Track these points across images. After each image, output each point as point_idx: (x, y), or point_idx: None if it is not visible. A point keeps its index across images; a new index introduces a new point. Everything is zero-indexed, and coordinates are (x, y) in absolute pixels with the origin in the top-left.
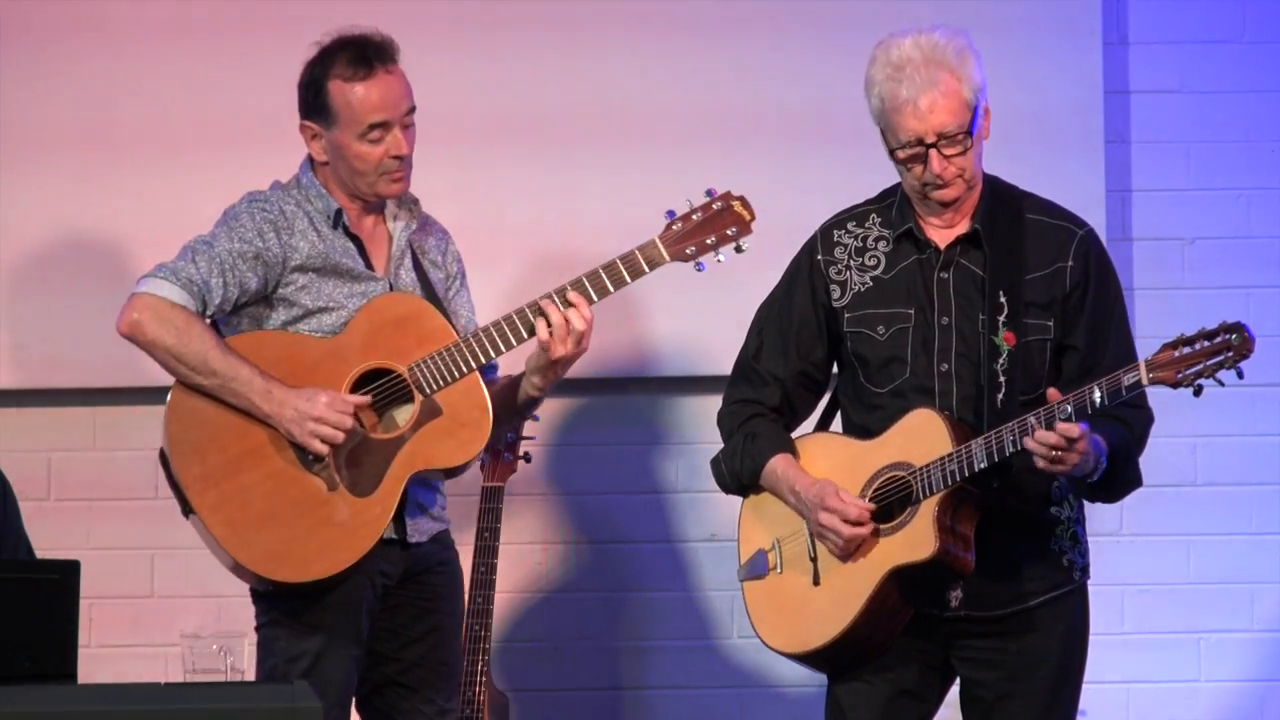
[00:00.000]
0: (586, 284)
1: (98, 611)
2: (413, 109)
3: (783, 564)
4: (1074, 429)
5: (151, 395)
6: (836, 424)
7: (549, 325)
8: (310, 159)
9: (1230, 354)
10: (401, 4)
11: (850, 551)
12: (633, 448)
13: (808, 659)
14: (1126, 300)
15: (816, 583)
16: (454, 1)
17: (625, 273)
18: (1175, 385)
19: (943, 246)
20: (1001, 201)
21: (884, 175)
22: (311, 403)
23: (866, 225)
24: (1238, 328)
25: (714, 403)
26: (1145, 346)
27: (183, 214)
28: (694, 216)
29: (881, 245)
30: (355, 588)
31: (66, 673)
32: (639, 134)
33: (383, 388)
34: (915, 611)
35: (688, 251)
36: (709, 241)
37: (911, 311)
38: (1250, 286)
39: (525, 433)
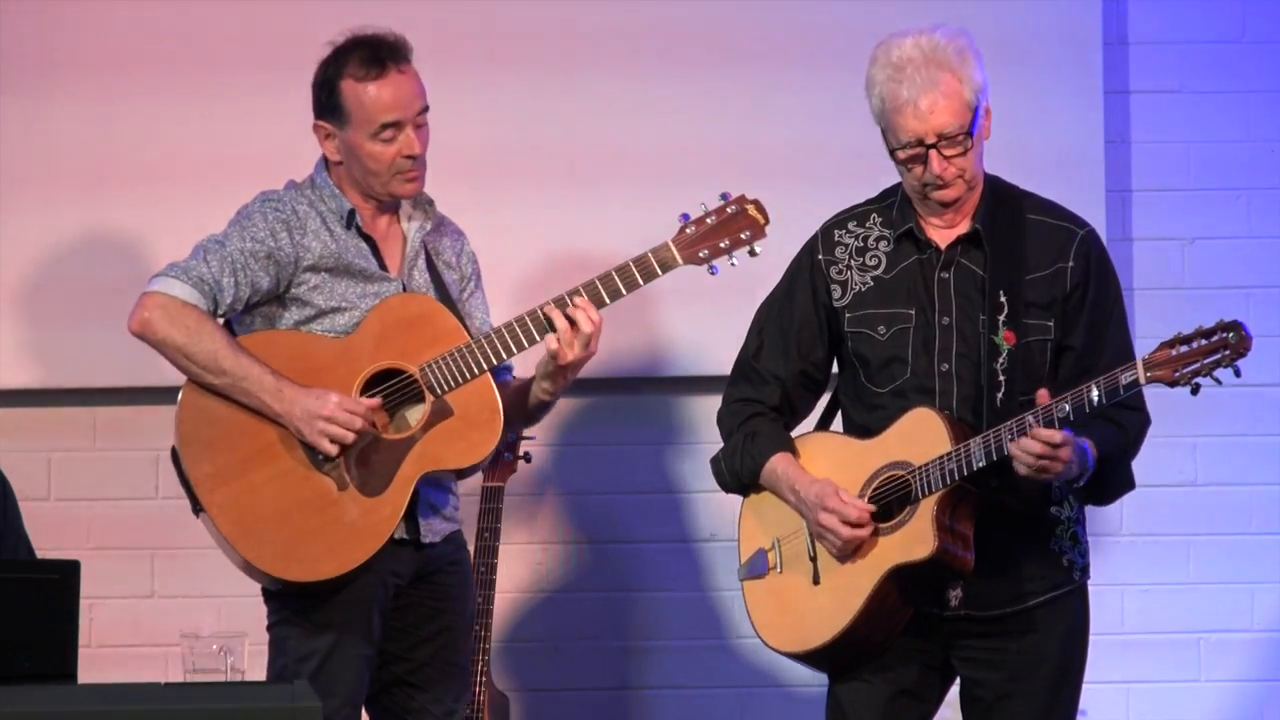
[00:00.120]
0: (599, 286)
1: (98, 611)
2: (426, 108)
3: (782, 563)
4: (1056, 435)
5: (151, 395)
6: (837, 423)
7: (556, 331)
8: (325, 159)
9: (1227, 352)
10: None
11: (849, 553)
12: (632, 448)
13: (808, 658)
14: (1126, 300)
15: (816, 582)
16: (464, 13)
17: (638, 275)
18: (1173, 384)
19: (943, 246)
20: (1002, 201)
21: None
22: (322, 402)
23: (867, 225)
24: (1235, 326)
25: (714, 403)
26: (1145, 347)
27: (184, 215)
28: (708, 219)
29: (882, 245)
30: (366, 587)
31: (66, 673)
32: (653, 138)
33: (394, 388)
34: (915, 611)
35: (701, 254)
36: (722, 245)
37: (912, 311)
38: (1250, 286)
39: (525, 433)
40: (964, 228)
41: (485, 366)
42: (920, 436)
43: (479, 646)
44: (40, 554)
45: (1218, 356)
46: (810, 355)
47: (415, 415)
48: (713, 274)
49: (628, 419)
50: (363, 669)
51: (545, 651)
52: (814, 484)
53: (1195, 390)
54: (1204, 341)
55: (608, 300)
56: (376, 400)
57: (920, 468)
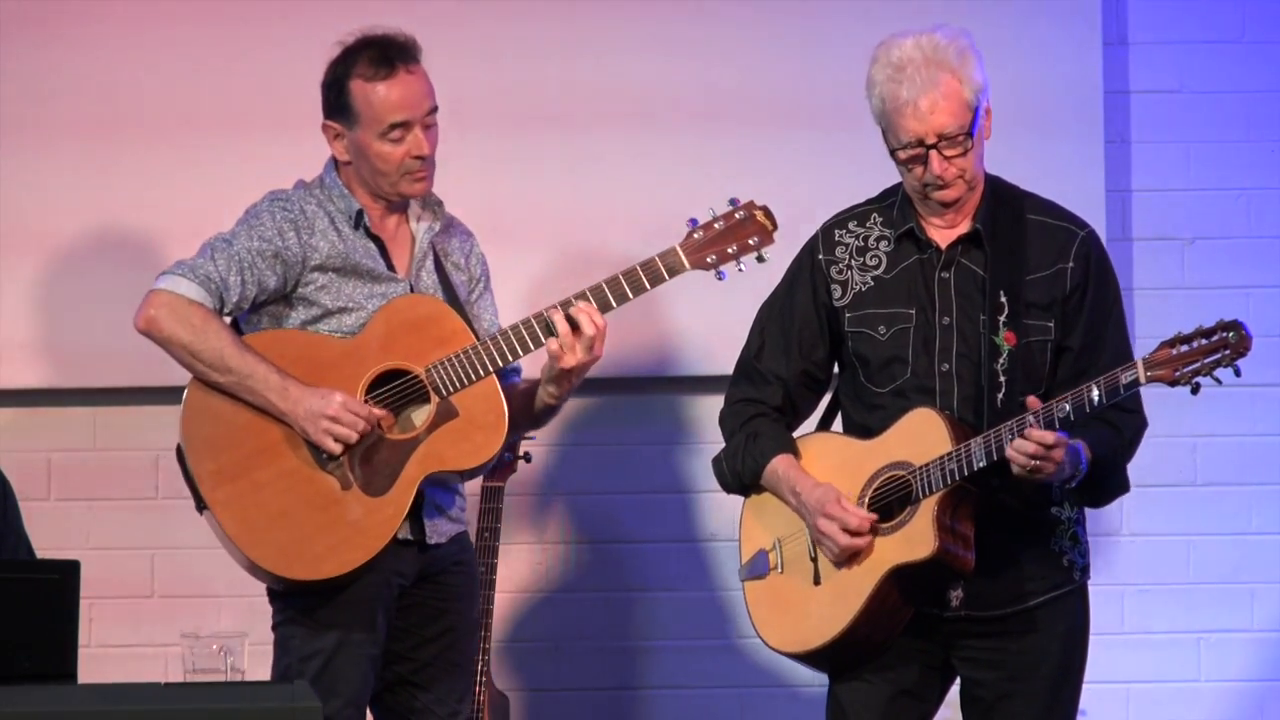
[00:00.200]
0: (605, 290)
1: (98, 611)
2: (434, 109)
3: (783, 564)
4: (1049, 436)
5: (151, 395)
6: (837, 424)
7: (557, 336)
8: (334, 159)
9: (1227, 352)
10: (421, 8)
11: (846, 559)
12: (632, 448)
13: (808, 658)
14: (1126, 300)
15: (817, 582)
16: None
17: (645, 279)
18: (1173, 383)
19: (944, 246)
20: (1003, 201)
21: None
22: (326, 401)
23: (868, 225)
24: (1235, 326)
25: (715, 403)
26: (1145, 347)
27: (184, 215)
28: (716, 225)
29: (883, 245)
30: (370, 587)
31: (66, 673)
32: (663, 131)
33: (399, 388)
34: (915, 611)
35: (709, 260)
36: (730, 250)
37: (912, 311)
38: (1250, 286)
39: (525, 433)
40: (964, 228)
41: (491, 368)
42: (921, 437)
43: (479, 647)
44: (40, 554)
45: (1218, 356)
46: (812, 355)
47: (420, 416)
48: (720, 280)
49: (628, 419)
50: (367, 668)
51: (545, 651)
52: (816, 488)
53: (1195, 390)
54: (1204, 341)
55: (614, 304)
56: (382, 410)
57: (921, 468)
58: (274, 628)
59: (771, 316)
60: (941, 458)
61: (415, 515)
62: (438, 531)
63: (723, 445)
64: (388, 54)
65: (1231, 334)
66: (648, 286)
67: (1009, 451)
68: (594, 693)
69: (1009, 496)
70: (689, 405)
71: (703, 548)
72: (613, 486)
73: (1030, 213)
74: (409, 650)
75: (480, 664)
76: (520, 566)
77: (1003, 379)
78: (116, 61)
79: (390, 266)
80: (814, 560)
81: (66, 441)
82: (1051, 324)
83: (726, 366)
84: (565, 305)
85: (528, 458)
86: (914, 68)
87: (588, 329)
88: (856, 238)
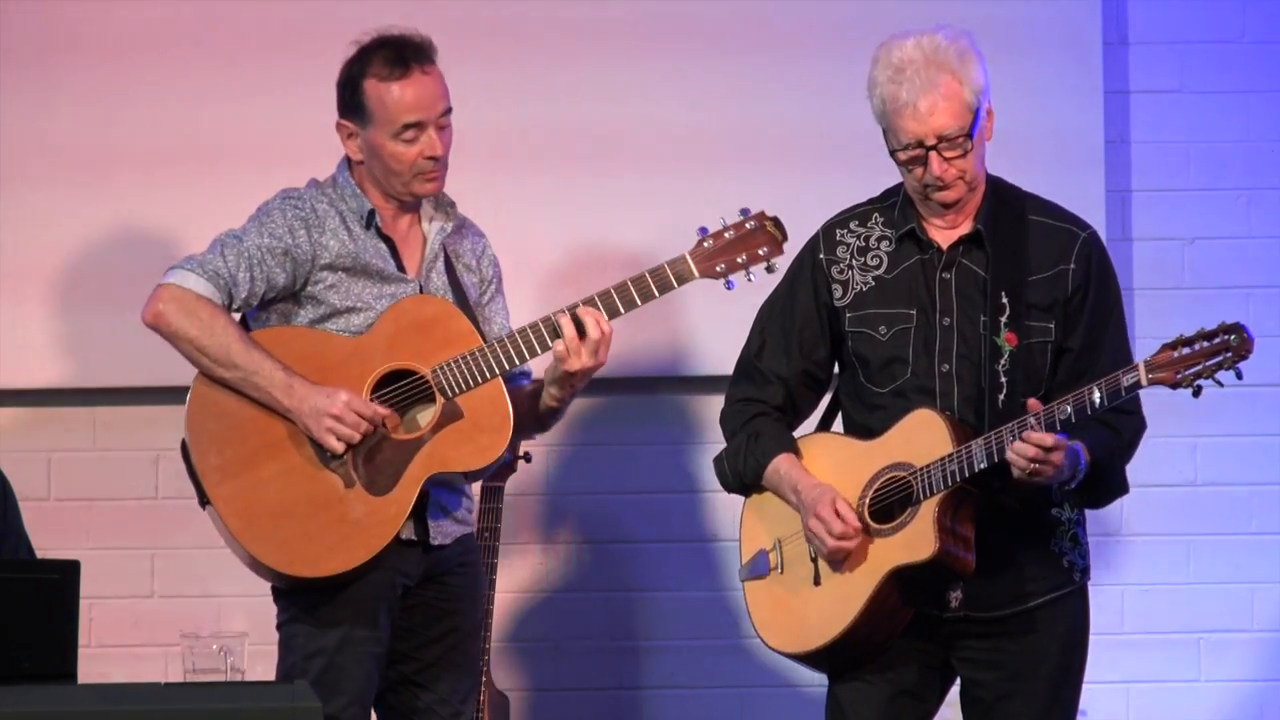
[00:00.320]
0: (614, 295)
1: (98, 611)
2: (449, 110)
3: (784, 564)
4: (1048, 438)
5: (152, 395)
6: (838, 424)
7: (564, 339)
8: (347, 158)
9: (1229, 354)
10: (426, 18)
11: (837, 559)
12: (632, 448)
13: (808, 659)
14: (1126, 300)
15: (817, 583)
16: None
17: (653, 287)
18: (1174, 386)
19: (945, 247)
20: (1004, 202)
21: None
22: (331, 400)
23: (869, 225)
24: (1236, 328)
25: (715, 403)
26: (1145, 347)
27: (185, 217)
28: (726, 234)
29: (884, 245)
30: (374, 586)
31: (66, 673)
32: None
33: (405, 388)
34: (915, 612)
35: (718, 269)
36: (739, 260)
37: (913, 312)
38: (1250, 286)
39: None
40: (966, 228)
41: (497, 371)
42: (922, 438)
43: (483, 648)
44: (40, 554)
45: (1219, 359)
46: (812, 354)
47: (425, 416)
48: (729, 289)
49: (628, 419)
50: (371, 667)
51: (545, 651)
52: (814, 488)
53: (1197, 392)
54: (1206, 344)
55: (621, 310)
56: (387, 410)
57: (922, 469)
58: (279, 627)
59: (772, 316)
60: (942, 459)
61: (419, 516)
62: (442, 532)
63: (723, 445)
64: (403, 54)
65: (1233, 336)
66: (656, 293)
67: (1008, 454)
68: (594, 693)
69: (1009, 497)
70: (689, 405)
71: (703, 548)
72: (613, 486)
73: (1032, 214)
74: (413, 650)
75: (480, 664)
76: (521, 566)
77: (1004, 380)
78: (117, 66)
79: (400, 267)
80: (814, 561)
81: (66, 441)
82: (1052, 325)
83: (727, 367)
84: (573, 309)
85: (528, 458)
86: (914, 69)
87: (594, 333)
88: (858, 238)
